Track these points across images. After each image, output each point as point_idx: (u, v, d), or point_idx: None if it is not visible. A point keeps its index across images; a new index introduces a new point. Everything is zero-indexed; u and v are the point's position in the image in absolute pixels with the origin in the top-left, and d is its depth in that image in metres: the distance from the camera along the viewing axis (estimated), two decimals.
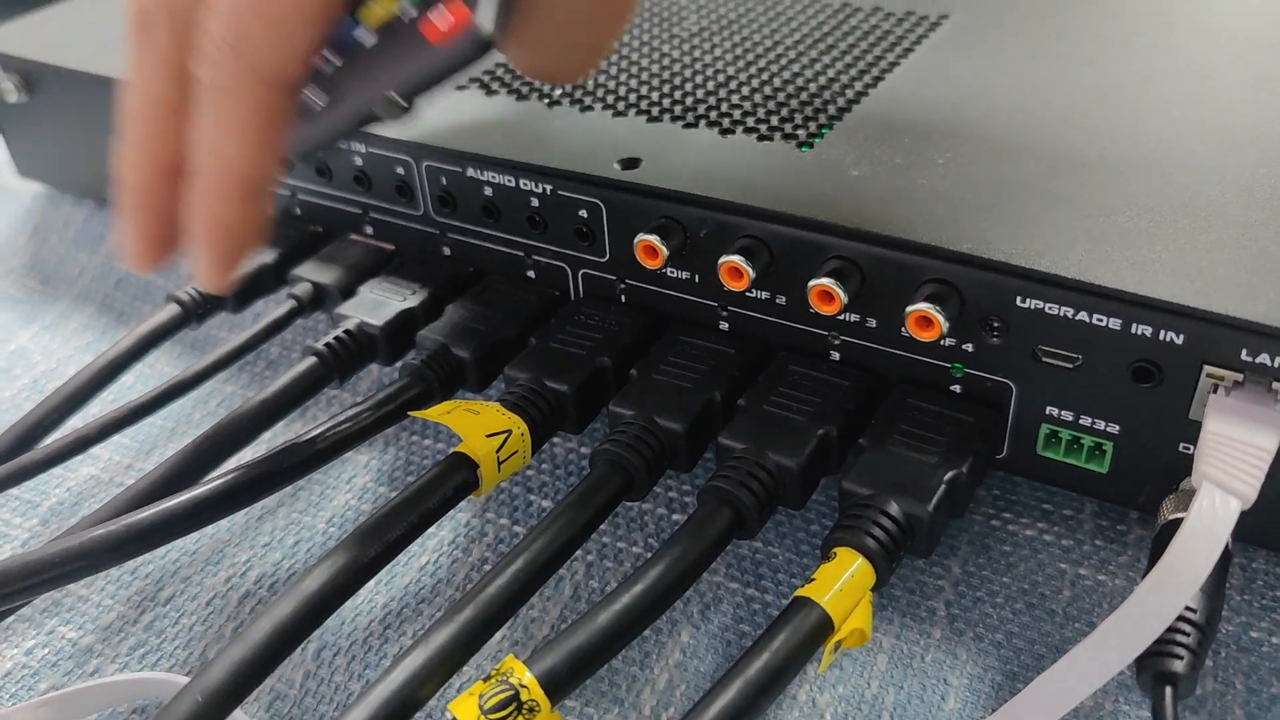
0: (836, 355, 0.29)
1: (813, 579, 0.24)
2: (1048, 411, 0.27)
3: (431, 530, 0.31)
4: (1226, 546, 0.25)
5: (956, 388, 0.28)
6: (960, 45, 0.36)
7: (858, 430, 0.27)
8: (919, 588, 0.28)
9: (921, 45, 0.36)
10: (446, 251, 0.34)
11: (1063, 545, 0.29)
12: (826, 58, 0.35)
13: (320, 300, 0.34)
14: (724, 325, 0.30)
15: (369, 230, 0.36)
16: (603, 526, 0.28)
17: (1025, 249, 0.26)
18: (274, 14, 0.23)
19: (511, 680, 0.22)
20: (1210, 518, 0.22)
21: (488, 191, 0.32)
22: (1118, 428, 0.26)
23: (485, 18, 0.22)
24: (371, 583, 0.29)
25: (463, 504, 0.31)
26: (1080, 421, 0.27)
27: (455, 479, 0.27)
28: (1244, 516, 0.25)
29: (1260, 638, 0.26)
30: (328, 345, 0.31)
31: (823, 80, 0.34)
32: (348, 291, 0.34)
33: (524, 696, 0.22)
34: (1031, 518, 0.30)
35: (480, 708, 0.22)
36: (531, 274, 0.33)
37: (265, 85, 0.23)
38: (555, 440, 0.33)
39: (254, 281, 0.35)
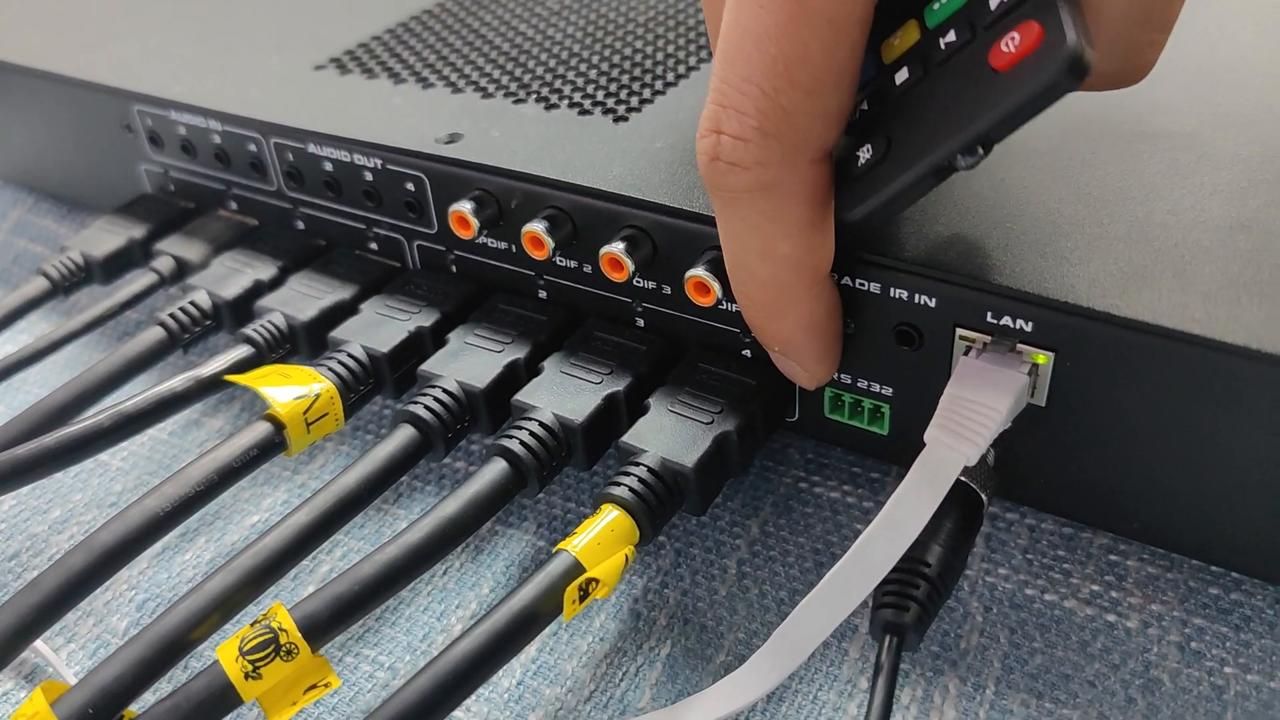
0: (640, 321, 0.30)
1: (574, 532, 0.25)
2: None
3: (267, 490, 0.32)
4: (982, 505, 0.26)
5: (747, 352, 0.29)
6: None
7: (650, 393, 0.28)
8: (715, 546, 0.29)
9: None
10: (300, 225, 0.36)
11: (863, 507, 0.30)
12: (671, 34, 0.36)
13: (182, 273, 0.36)
14: (542, 294, 0.32)
15: (233, 206, 0.37)
16: (427, 486, 0.29)
17: None
18: (809, 77, 0.19)
19: (272, 625, 0.24)
20: (931, 473, 0.23)
21: (328, 167, 0.33)
22: (891, 390, 0.27)
23: (1070, 33, 0.18)
24: (202, 540, 0.31)
25: (310, 467, 0.32)
26: (859, 385, 0.27)
27: (259, 439, 0.28)
28: (1041, 484, 0.26)
29: (1034, 595, 0.27)
30: (172, 315, 0.33)
31: (659, 56, 0.35)
32: (207, 265, 0.35)
33: (282, 639, 0.23)
34: (838, 480, 0.31)
35: (240, 649, 0.23)
36: (374, 245, 0.34)
37: (810, 163, 0.21)
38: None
39: (123, 256, 0.37)
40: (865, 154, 0.22)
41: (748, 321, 0.25)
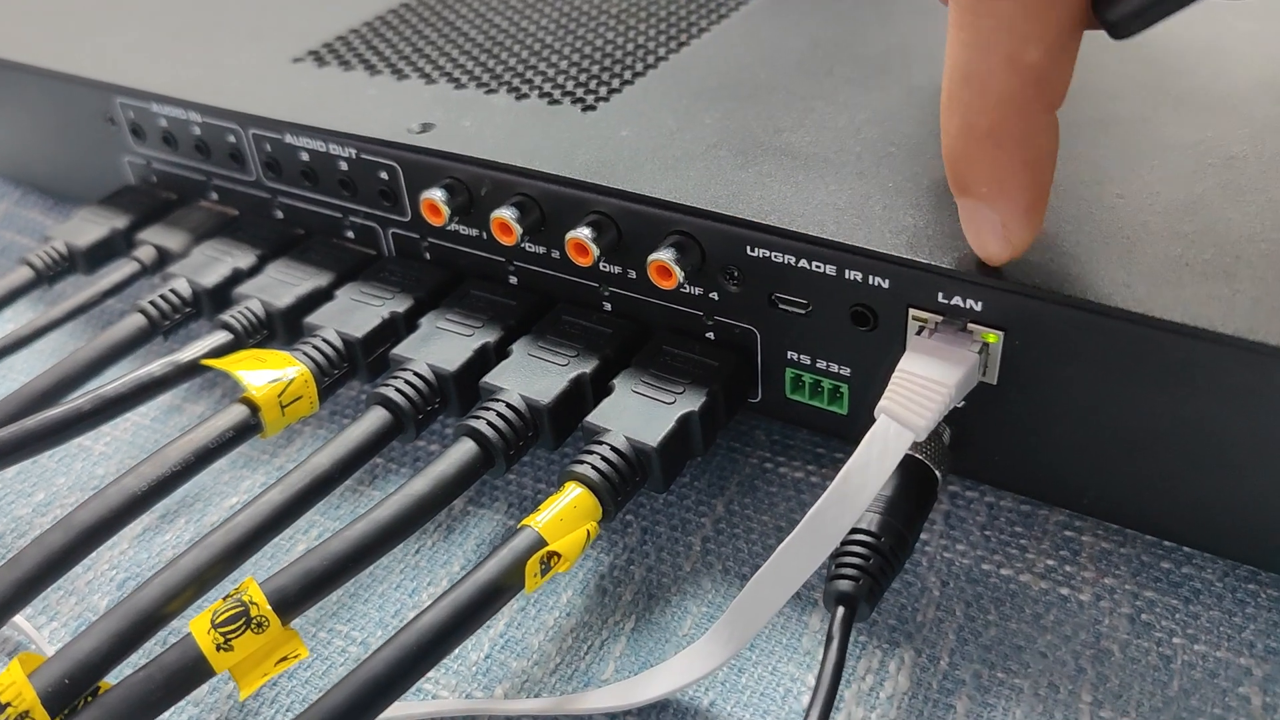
0: (608, 306, 0.31)
1: (539, 508, 0.26)
2: (789, 356, 0.28)
3: (245, 473, 0.33)
4: (935, 482, 0.26)
5: (710, 334, 0.29)
6: (773, 12, 0.37)
7: (616, 375, 0.29)
8: (681, 524, 0.30)
9: (738, 11, 0.37)
10: (279, 215, 0.36)
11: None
12: (643, 25, 0.37)
13: (164, 262, 0.36)
14: (513, 279, 0.32)
15: (214, 196, 0.38)
16: (402, 468, 0.30)
17: (757, 204, 0.27)
18: None
19: (244, 598, 0.24)
20: (880, 448, 0.23)
21: (304, 157, 0.34)
22: (849, 370, 0.28)
23: None
24: (181, 521, 0.32)
25: (288, 450, 0.33)
26: (818, 365, 0.28)
27: (235, 422, 0.29)
28: (996, 460, 0.26)
29: (990, 570, 0.28)
30: (152, 303, 0.33)
31: (630, 46, 0.36)
32: (188, 254, 0.36)
33: (253, 612, 0.24)
34: (803, 460, 0.31)
35: (212, 622, 0.24)
36: (350, 234, 0.35)
37: None
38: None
39: (106, 245, 0.37)
40: None
41: (954, 158, 0.23)
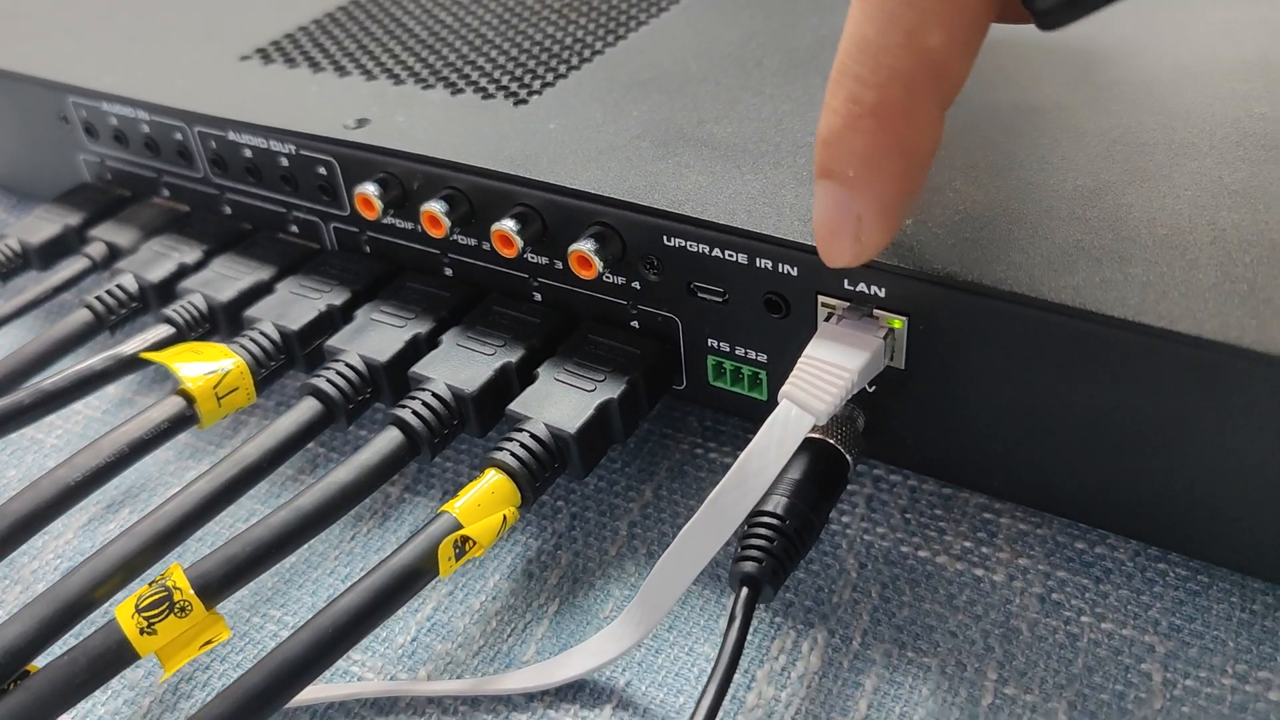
0: (538, 296, 0.31)
1: (458, 494, 0.26)
2: (710, 344, 0.29)
3: (190, 464, 0.33)
4: (846, 466, 0.27)
5: (635, 324, 0.30)
6: (711, 5, 0.38)
7: (542, 363, 0.29)
8: (609, 510, 0.31)
9: (677, 4, 0.38)
10: (227, 211, 0.37)
11: None
12: (584, 19, 0.37)
13: (114, 258, 0.37)
14: (448, 271, 0.33)
15: (165, 193, 0.38)
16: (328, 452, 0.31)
17: (673, 195, 0.28)
18: None
19: (168, 584, 0.25)
20: (781, 431, 0.24)
21: (248, 153, 0.34)
22: (765, 357, 0.28)
23: None
24: (126, 512, 0.32)
25: (234, 442, 0.34)
26: (736, 352, 0.29)
27: (170, 414, 0.29)
28: (908, 444, 0.27)
29: (908, 552, 0.29)
30: (99, 298, 0.34)
31: (568, 40, 0.36)
32: (137, 250, 0.36)
33: (176, 597, 0.25)
34: (733, 445, 0.32)
35: (136, 607, 0.25)
36: (294, 228, 0.35)
37: None
38: None
39: (59, 243, 0.38)
40: None
41: (829, 134, 0.22)
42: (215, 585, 0.25)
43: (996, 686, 0.25)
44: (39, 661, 0.25)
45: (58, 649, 0.25)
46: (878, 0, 0.20)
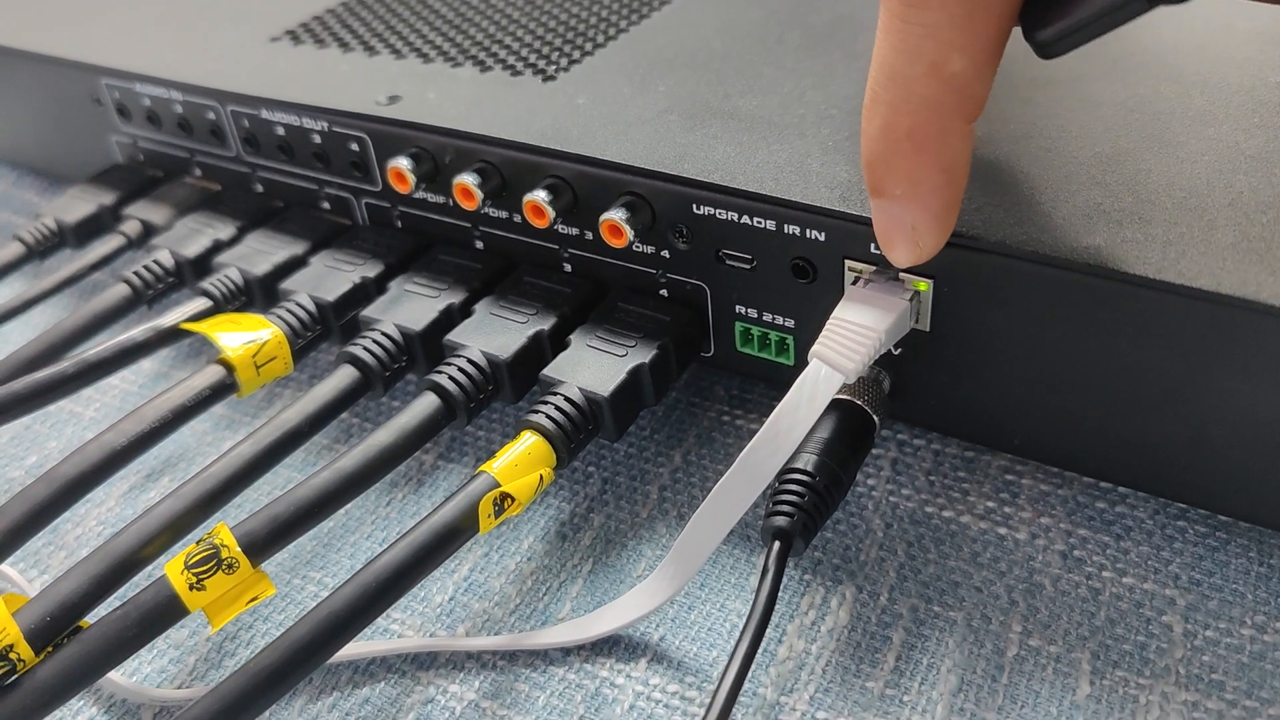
0: (568, 266, 0.32)
1: (496, 455, 0.27)
2: (738, 310, 0.30)
3: (228, 434, 0.34)
4: (873, 426, 0.27)
5: (664, 292, 0.31)
6: None
7: (573, 331, 0.30)
8: (640, 474, 0.31)
9: None
10: (259, 189, 0.38)
11: None
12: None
13: (148, 236, 0.38)
14: (479, 244, 0.34)
15: (198, 173, 0.39)
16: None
17: (702, 165, 0.28)
18: None
19: (215, 542, 0.26)
20: (811, 389, 0.25)
21: (280, 131, 0.35)
22: (793, 322, 0.29)
23: None
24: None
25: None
26: (764, 318, 0.29)
27: (211, 381, 0.30)
28: (933, 405, 0.28)
29: (933, 512, 0.29)
30: (136, 273, 0.35)
31: (593, 20, 0.37)
32: (171, 227, 0.37)
33: (224, 555, 0.26)
34: (759, 413, 0.33)
35: (185, 564, 0.25)
36: (326, 205, 0.36)
37: None
38: None
39: (94, 221, 0.39)
40: None
41: (872, 158, 0.23)
42: (261, 543, 0.26)
43: (1021, 639, 0.26)
44: (90, 619, 0.25)
45: (105, 610, 0.26)
46: (902, 32, 0.22)
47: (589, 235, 0.31)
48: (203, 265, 0.36)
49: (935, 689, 0.25)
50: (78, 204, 0.39)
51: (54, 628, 0.25)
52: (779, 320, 0.29)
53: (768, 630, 0.27)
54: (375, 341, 0.30)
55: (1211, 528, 0.28)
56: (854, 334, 0.25)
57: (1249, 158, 0.26)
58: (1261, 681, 0.24)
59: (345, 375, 0.30)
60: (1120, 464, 0.27)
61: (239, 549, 0.26)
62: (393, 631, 0.28)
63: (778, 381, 0.31)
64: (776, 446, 0.24)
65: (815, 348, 0.25)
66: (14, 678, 0.24)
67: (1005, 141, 0.28)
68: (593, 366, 0.29)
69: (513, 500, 0.26)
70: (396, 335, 0.31)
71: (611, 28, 0.36)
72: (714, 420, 0.33)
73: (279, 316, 0.32)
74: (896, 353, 0.28)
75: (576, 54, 0.35)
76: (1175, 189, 0.26)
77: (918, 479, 0.30)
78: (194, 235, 0.36)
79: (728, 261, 0.29)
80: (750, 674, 0.26)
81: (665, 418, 0.33)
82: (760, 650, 0.26)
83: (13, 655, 0.24)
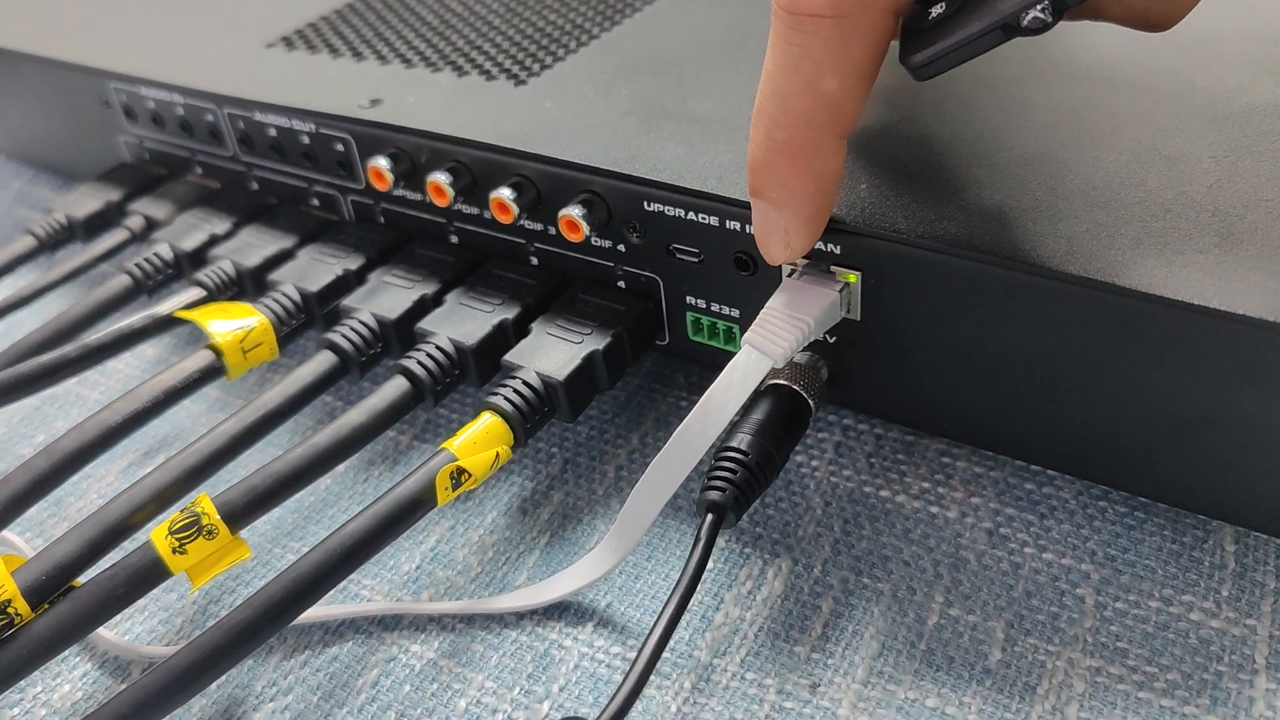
0: (534, 260, 0.34)
1: (456, 434, 0.29)
2: (688, 301, 0.32)
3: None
4: (809, 410, 0.29)
5: (621, 284, 0.33)
6: None
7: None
8: (599, 455, 0.33)
9: None
10: (254, 186, 0.40)
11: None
12: (583, 7, 0.40)
13: (151, 230, 0.40)
14: (453, 239, 0.36)
15: (198, 171, 0.42)
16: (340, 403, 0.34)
17: (653, 164, 0.30)
18: None
19: (197, 510, 0.28)
20: (741, 372, 0.27)
21: (272, 132, 0.38)
22: (737, 312, 0.31)
23: None
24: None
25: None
26: (712, 308, 0.31)
27: (201, 365, 0.32)
28: (868, 390, 0.30)
29: (870, 492, 0.31)
30: (138, 265, 0.37)
31: (568, 27, 0.39)
32: (172, 222, 0.40)
33: (204, 521, 0.28)
34: None
35: (169, 529, 0.28)
36: (315, 202, 0.39)
37: (884, 10, 0.23)
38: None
39: (101, 216, 0.41)
40: (937, 9, 0.24)
41: (755, 165, 0.25)
42: (239, 512, 0.28)
43: (942, 608, 0.28)
44: (83, 579, 0.28)
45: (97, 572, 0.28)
46: (784, 51, 0.24)
47: (552, 230, 0.33)
48: (199, 258, 0.38)
49: (858, 653, 0.27)
50: (86, 200, 0.41)
51: (49, 586, 0.27)
52: (725, 310, 0.31)
53: (706, 598, 0.29)
54: (353, 329, 0.33)
55: (1130, 508, 0.29)
56: (784, 322, 0.27)
57: (1164, 158, 0.28)
58: (1163, 650, 0.26)
59: (324, 360, 0.32)
60: (1039, 448, 0.29)
61: (219, 517, 0.28)
62: (362, 597, 0.30)
63: None
64: (707, 425, 0.26)
65: (748, 334, 0.27)
66: (11, 631, 0.26)
67: (937, 142, 0.30)
68: (550, 352, 0.31)
69: (469, 475, 0.28)
70: (373, 323, 0.33)
71: (584, 34, 0.38)
72: (672, 405, 0.35)
73: (266, 305, 0.34)
74: (831, 341, 0.30)
75: (549, 59, 0.37)
76: (1090, 188, 0.27)
77: (858, 460, 0.32)
78: (192, 230, 0.39)
79: (677, 255, 0.31)
80: (688, 639, 0.28)
81: (626, 403, 0.35)
82: (699, 617, 0.28)
83: (10, 610, 0.26)
